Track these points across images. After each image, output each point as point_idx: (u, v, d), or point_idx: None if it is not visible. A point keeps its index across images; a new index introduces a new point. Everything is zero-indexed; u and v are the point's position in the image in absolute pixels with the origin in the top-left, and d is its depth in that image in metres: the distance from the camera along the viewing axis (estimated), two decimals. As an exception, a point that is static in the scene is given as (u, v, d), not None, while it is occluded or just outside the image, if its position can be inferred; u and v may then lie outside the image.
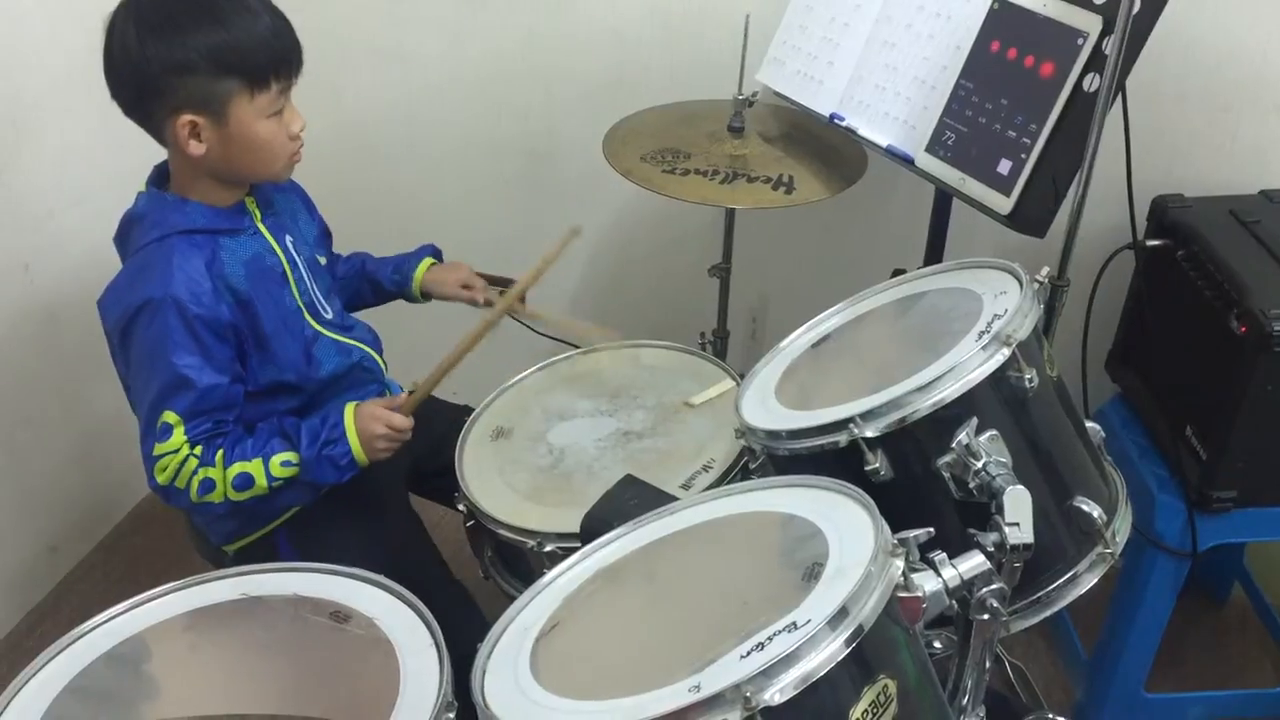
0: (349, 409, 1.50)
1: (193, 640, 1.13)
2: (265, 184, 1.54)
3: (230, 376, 1.44)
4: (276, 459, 1.44)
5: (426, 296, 1.82)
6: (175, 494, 1.44)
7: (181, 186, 1.46)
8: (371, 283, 1.81)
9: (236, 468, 1.42)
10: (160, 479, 1.42)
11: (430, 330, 1.84)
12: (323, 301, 1.59)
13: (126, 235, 1.49)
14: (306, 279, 1.56)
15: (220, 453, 1.42)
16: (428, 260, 1.82)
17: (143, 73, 1.36)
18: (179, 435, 1.40)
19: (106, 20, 1.37)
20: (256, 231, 1.51)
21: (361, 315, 1.74)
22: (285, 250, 1.54)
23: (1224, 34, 1.82)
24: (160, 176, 1.49)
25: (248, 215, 1.51)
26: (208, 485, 1.42)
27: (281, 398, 1.53)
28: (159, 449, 1.40)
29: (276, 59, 1.40)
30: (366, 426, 1.49)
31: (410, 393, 1.74)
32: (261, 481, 1.44)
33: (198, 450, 1.41)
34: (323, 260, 1.65)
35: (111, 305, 1.43)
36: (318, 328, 1.56)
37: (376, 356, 1.67)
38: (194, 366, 1.39)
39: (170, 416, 1.40)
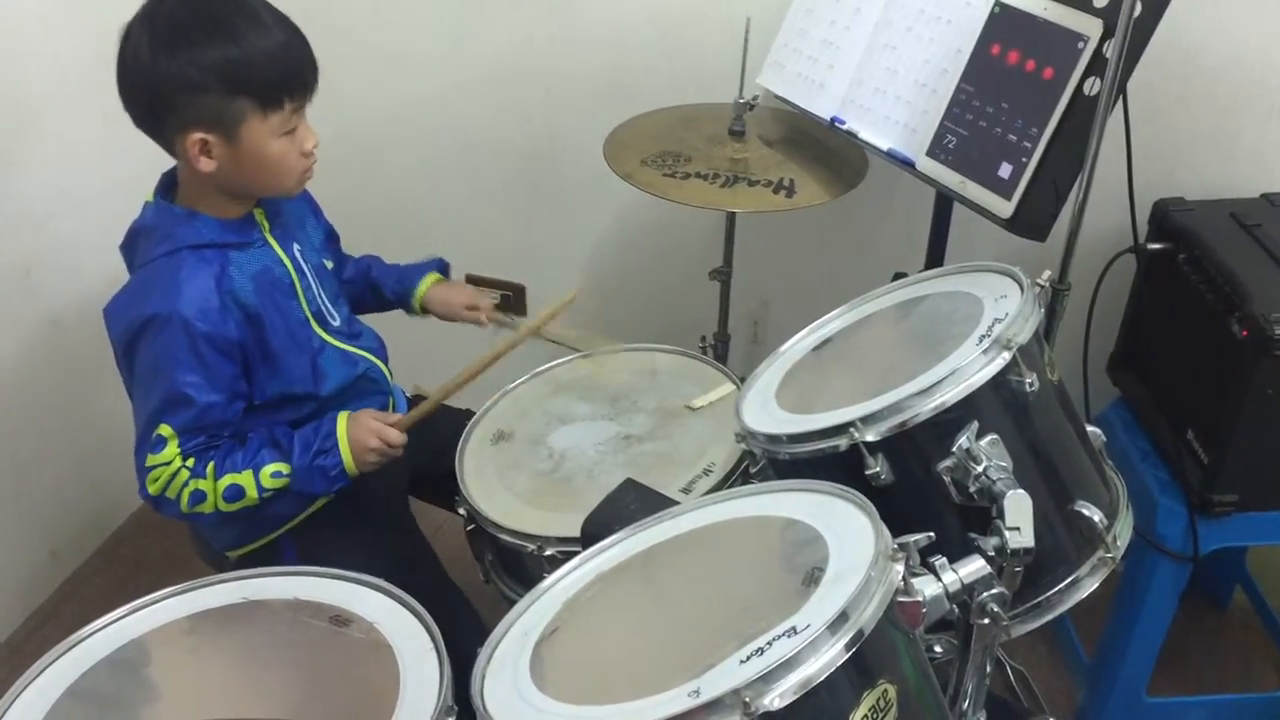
0: (342, 418, 1.49)
1: (193, 644, 1.13)
2: None
3: (230, 395, 1.43)
4: (267, 470, 1.44)
5: (426, 312, 1.78)
6: (166, 504, 1.44)
7: (190, 198, 1.45)
8: (374, 288, 1.78)
9: (227, 479, 1.42)
10: (151, 489, 1.42)
11: (435, 336, 1.83)
12: (330, 309, 1.58)
13: (134, 246, 1.47)
14: (314, 286, 1.55)
15: (211, 465, 1.42)
16: (433, 276, 1.78)
17: (154, 88, 1.34)
18: (172, 448, 1.40)
19: (122, 31, 1.35)
20: (265, 243, 1.50)
21: (366, 319, 1.73)
22: (293, 259, 1.52)
23: (1225, 37, 1.82)
24: (167, 186, 1.48)
25: (256, 227, 1.50)
26: (198, 497, 1.42)
27: (288, 409, 1.52)
28: (151, 460, 1.41)
29: (289, 78, 1.38)
30: (359, 438, 1.47)
31: (413, 396, 1.75)
32: (252, 493, 1.44)
33: (189, 463, 1.41)
34: (329, 265, 1.63)
35: (118, 316, 1.42)
36: (325, 337, 1.55)
37: (382, 366, 1.66)
38: (195, 385, 1.39)
39: (165, 429, 1.40)
